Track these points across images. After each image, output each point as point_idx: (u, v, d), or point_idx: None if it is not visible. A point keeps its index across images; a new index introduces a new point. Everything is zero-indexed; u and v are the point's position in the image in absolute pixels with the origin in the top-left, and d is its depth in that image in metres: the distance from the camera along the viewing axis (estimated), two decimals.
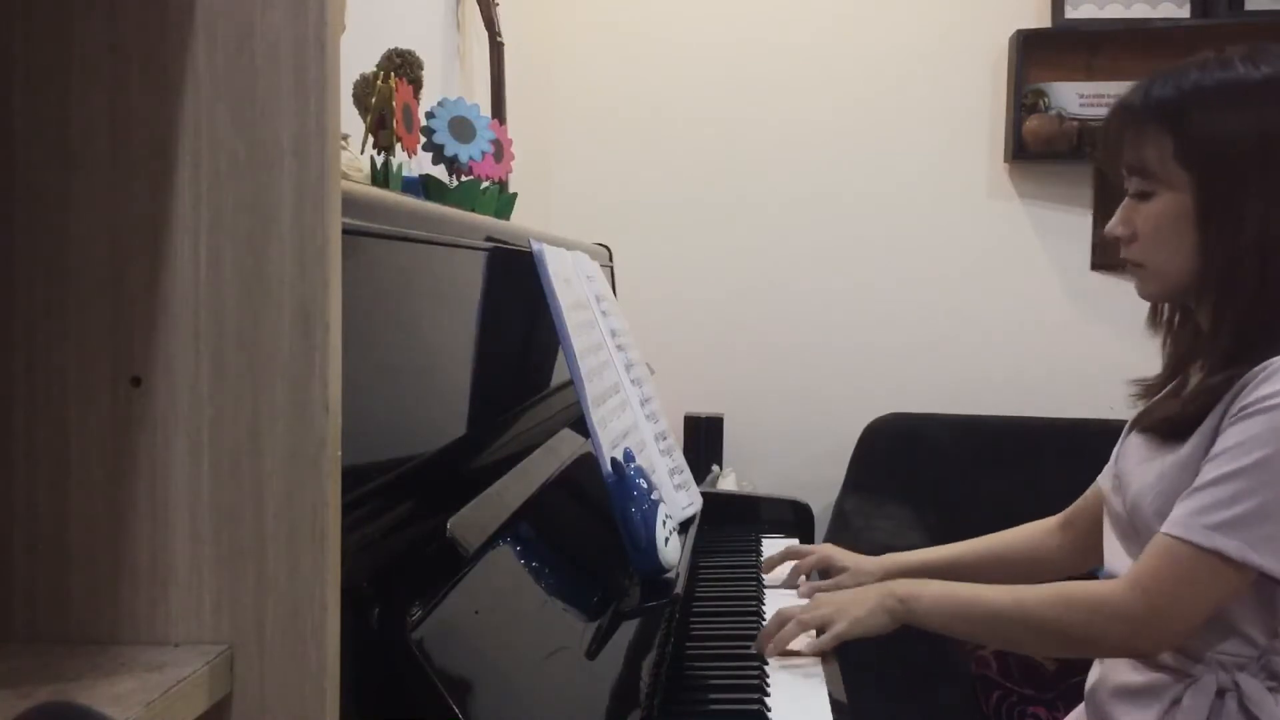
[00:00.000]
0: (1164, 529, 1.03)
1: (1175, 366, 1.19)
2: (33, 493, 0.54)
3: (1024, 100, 2.69)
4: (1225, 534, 0.99)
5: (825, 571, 1.42)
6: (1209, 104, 1.07)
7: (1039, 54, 2.70)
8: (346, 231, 0.57)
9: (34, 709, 0.44)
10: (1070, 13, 2.69)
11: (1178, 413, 1.10)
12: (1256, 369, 1.02)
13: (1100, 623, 1.06)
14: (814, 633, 1.18)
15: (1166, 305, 1.21)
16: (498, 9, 2.04)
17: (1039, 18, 2.71)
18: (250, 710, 0.54)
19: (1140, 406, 1.21)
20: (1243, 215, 1.05)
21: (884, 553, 1.45)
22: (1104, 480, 1.25)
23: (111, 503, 0.54)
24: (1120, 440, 1.22)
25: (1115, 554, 1.19)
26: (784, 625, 1.17)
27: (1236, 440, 1.01)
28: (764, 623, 1.27)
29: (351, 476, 0.61)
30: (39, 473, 0.54)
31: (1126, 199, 1.14)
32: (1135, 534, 1.13)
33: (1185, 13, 2.67)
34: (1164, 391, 1.17)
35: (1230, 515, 0.99)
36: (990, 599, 1.13)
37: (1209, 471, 1.02)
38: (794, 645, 1.17)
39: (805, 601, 1.23)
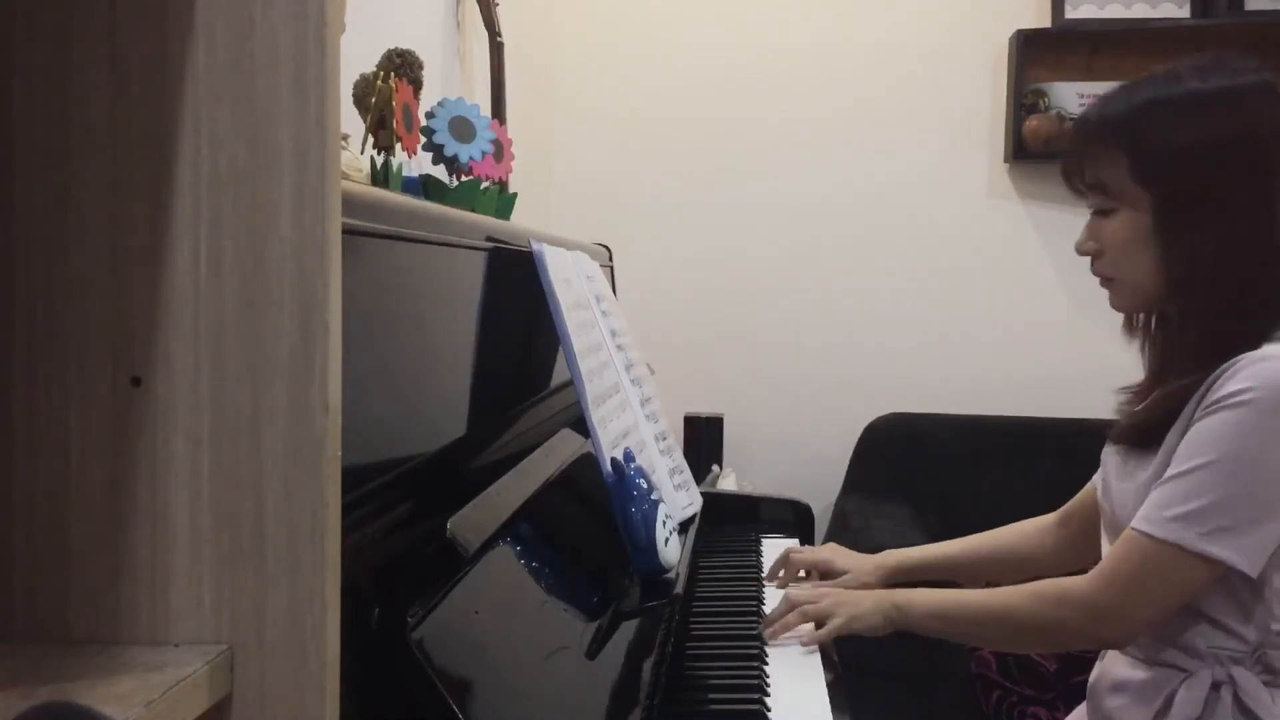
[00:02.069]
0: (1131, 523, 1.06)
1: (1158, 373, 1.20)
2: (33, 493, 0.54)
3: (1024, 100, 2.69)
4: (1184, 525, 1.02)
5: (826, 574, 1.43)
6: (1160, 120, 1.09)
7: (1039, 54, 2.70)
8: (346, 231, 0.57)
9: (34, 709, 0.44)
10: (1070, 13, 2.69)
11: (1143, 420, 1.13)
12: (1223, 367, 1.04)
13: (1066, 613, 1.09)
14: (812, 625, 1.23)
15: (1141, 314, 1.23)
16: (498, 9, 2.04)
17: (1039, 18, 2.71)
18: (250, 710, 0.54)
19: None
20: (1200, 228, 1.07)
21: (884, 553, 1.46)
22: (1096, 484, 1.27)
23: (111, 503, 0.54)
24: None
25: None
26: (789, 613, 1.22)
27: (1201, 436, 1.03)
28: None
29: (351, 476, 0.61)
30: (39, 473, 0.54)
31: (1091, 215, 1.17)
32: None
33: (1185, 13, 2.67)
34: (1147, 401, 1.19)
35: (1190, 508, 1.02)
36: (971, 600, 1.17)
37: (1174, 467, 1.04)
38: (794, 634, 1.23)
39: (813, 590, 1.28)
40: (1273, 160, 1.06)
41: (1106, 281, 1.17)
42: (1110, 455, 1.20)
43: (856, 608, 1.20)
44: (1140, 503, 1.10)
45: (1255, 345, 1.05)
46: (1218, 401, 1.03)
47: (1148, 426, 1.12)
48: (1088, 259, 1.18)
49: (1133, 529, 1.06)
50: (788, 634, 1.23)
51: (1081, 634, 1.12)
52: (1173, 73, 1.11)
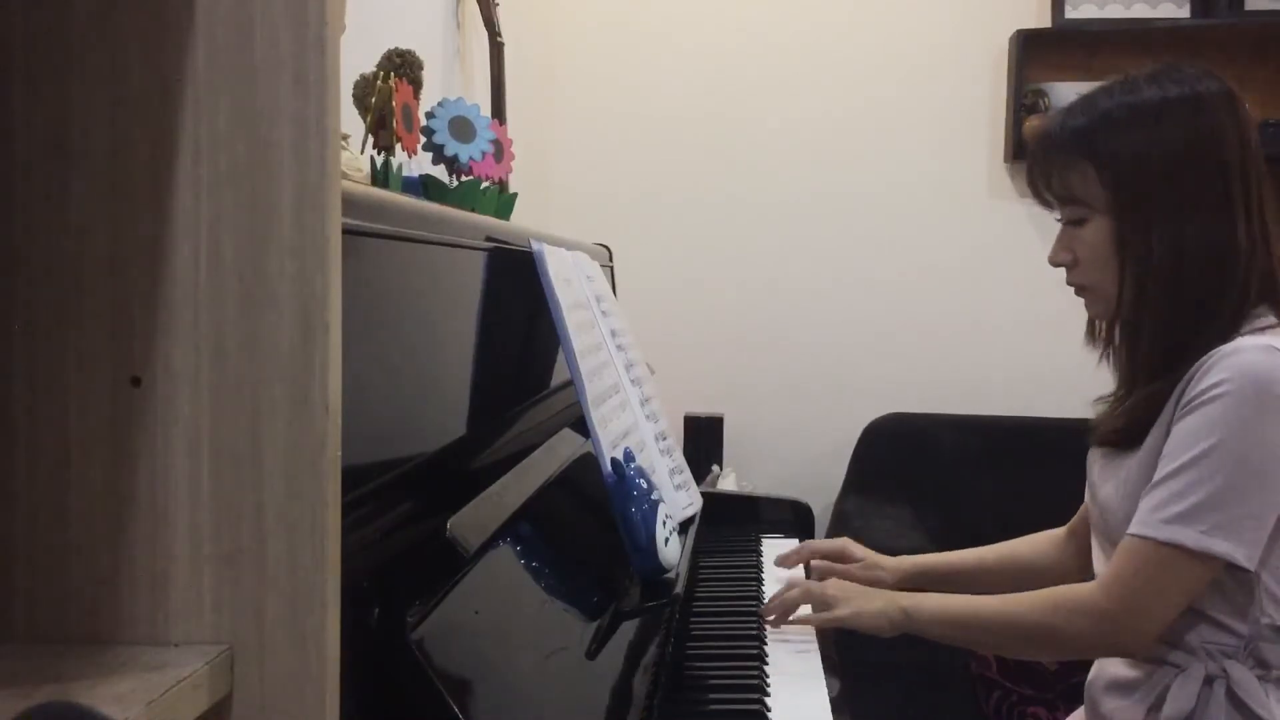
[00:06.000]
0: (1129, 530, 1.07)
1: (1130, 378, 1.20)
2: (33, 493, 0.54)
3: (1024, 100, 2.69)
4: (1182, 525, 1.02)
5: (842, 558, 1.44)
6: (1118, 127, 1.11)
7: (1039, 54, 2.70)
8: (346, 231, 0.57)
9: (34, 709, 0.44)
10: (1070, 13, 2.69)
11: (1124, 424, 1.14)
12: (1197, 364, 1.06)
13: (1080, 623, 1.09)
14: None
15: (1104, 323, 1.25)
16: (498, 9, 2.04)
17: (1039, 18, 2.71)
18: (250, 710, 0.54)
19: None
20: (1163, 234, 1.09)
21: (884, 553, 1.46)
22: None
23: (111, 503, 0.54)
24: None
25: (1098, 558, 1.22)
26: (791, 591, 1.23)
27: (1185, 434, 1.04)
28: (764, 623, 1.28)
29: (351, 476, 0.61)
30: (39, 473, 0.54)
31: (1063, 226, 1.19)
32: (1110, 537, 1.16)
33: (1185, 13, 2.67)
34: (1125, 404, 1.19)
35: (1185, 507, 1.02)
36: (983, 608, 1.16)
37: (1163, 468, 1.05)
38: (792, 626, 1.23)
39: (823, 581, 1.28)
40: (1231, 165, 1.08)
41: (1081, 290, 1.20)
42: (1094, 459, 1.22)
43: (863, 603, 1.19)
44: (1125, 499, 1.11)
45: (1218, 344, 1.06)
46: (1196, 398, 1.04)
47: (1129, 428, 1.13)
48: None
49: (1132, 535, 1.06)
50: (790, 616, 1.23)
51: (1095, 643, 1.12)
52: (1130, 81, 1.13)
